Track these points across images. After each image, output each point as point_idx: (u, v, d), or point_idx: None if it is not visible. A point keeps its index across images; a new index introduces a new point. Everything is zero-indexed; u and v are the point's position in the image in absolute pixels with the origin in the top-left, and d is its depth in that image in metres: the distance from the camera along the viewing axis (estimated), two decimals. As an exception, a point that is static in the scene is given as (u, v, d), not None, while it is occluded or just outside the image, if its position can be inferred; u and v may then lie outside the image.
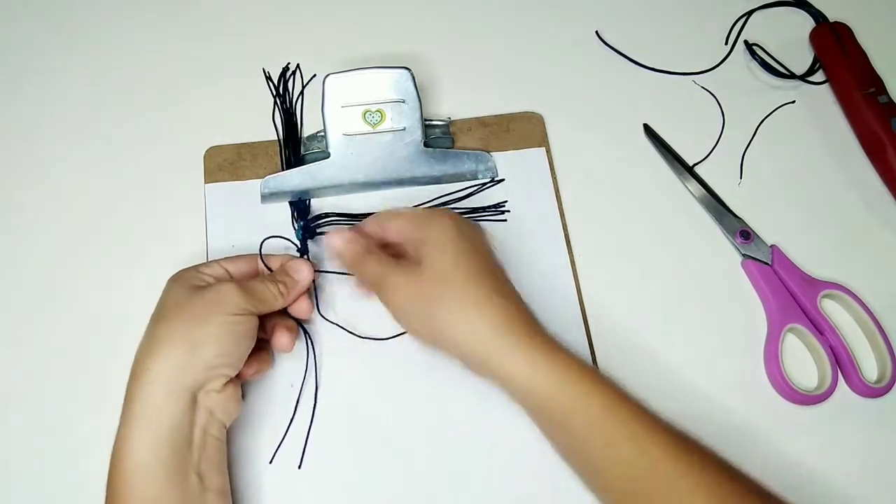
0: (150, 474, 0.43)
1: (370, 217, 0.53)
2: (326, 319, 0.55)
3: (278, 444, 0.51)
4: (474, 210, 0.59)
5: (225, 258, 0.52)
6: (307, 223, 0.57)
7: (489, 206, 0.60)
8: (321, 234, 0.57)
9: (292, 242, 0.57)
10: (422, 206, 0.59)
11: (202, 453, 0.45)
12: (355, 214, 0.58)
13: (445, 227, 0.49)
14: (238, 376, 0.48)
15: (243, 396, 0.50)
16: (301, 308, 0.52)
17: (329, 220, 0.57)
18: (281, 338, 0.51)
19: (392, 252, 0.52)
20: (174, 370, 0.44)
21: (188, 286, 0.48)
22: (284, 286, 0.50)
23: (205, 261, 0.53)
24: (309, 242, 0.57)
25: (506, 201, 0.60)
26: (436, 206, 0.59)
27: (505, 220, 0.59)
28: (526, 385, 0.44)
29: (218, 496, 0.45)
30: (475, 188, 0.60)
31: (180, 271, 0.50)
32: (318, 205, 0.59)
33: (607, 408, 0.43)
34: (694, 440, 0.44)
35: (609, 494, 0.44)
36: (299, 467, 0.51)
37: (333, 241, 0.51)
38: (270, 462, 0.51)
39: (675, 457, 0.42)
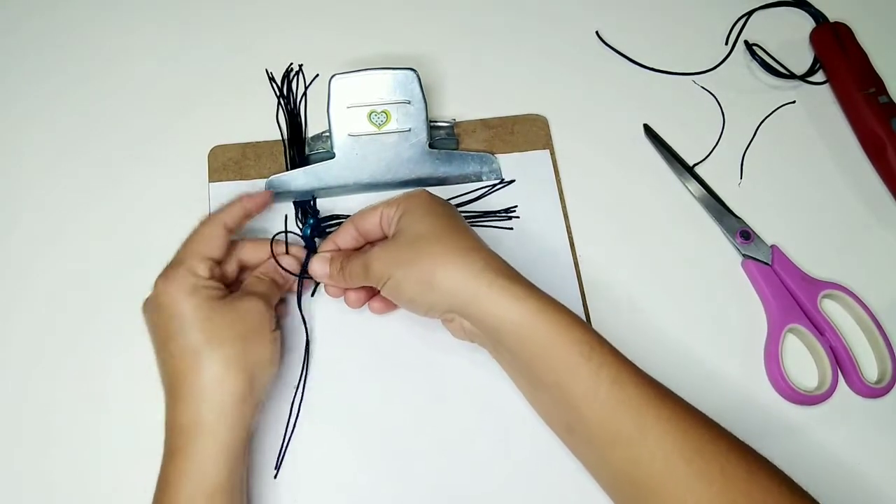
0: (224, 492, 0.43)
1: (342, 225, 0.53)
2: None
3: (281, 449, 0.50)
4: (485, 214, 0.58)
5: (199, 242, 0.50)
6: (317, 221, 0.56)
7: (500, 210, 0.58)
8: (329, 233, 0.56)
9: (300, 236, 0.55)
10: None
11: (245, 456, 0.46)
12: None
13: (419, 198, 0.50)
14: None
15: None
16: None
17: (339, 221, 0.56)
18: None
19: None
20: (246, 390, 0.44)
21: (212, 302, 0.46)
22: (279, 286, 0.51)
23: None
24: (316, 240, 0.55)
25: (516, 206, 0.59)
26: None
27: (511, 229, 0.58)
28: (507, 321, 0.44)
29: None
30: (486, 189, 0.59)
31: (179, 279, 0.47)
32: (323, 205, 0.58)
33: (588, 343, 0.44)
34: (667, 388, 0.44)
35: (583, 433, 0.44)
36: (275, 476, 0.50)
37: (314, 269, 0.52)
38: (276, 476, 0.50)
39: (649, 396, 0.43)
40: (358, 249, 0.53)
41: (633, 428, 0.42)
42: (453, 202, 0.58)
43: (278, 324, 0.50)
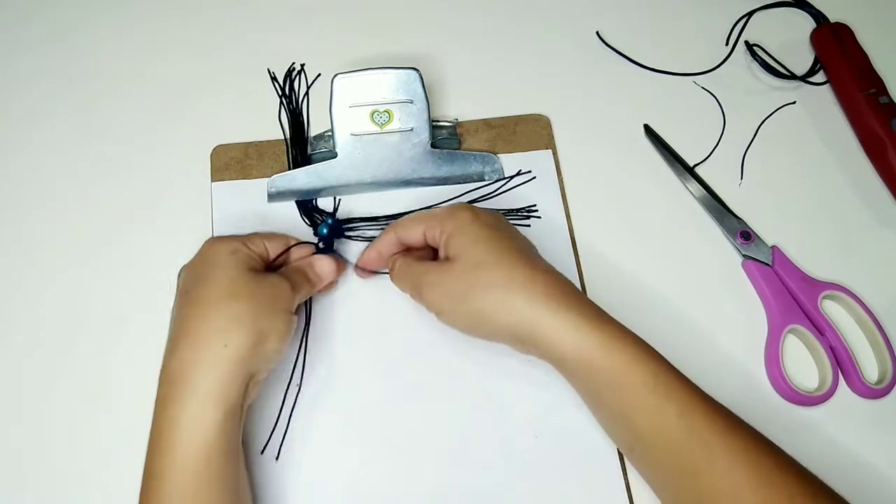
0: (219, 454, 0.41)
1: (383, 233, 0.52)
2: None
3: (275, 433, 0.50)
4: (508, 213, 0.57)
5: (266, 236, 0.50)
6: (337, 221, 0.55)
7: (521, 209, 0.57)
8: (347, 236, 0.55)
9: (315, 244, 0.54)
10: (440, 205, 0.57)
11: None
12: (383, 217, 0.56)
13: (465, 218, 0.48)
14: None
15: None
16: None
17: (359, 224, 0.56)
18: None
19: (417, 255, 0.51)
20: (250, 351, 0.43)
21: (245, 266, 0.46)
22: (312, 284, 0.50)
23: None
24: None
25: (534, 205, 0.58)
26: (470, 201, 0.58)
27: (529, 226, 0.57)
28: (571, 352, 0.43)
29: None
30: (503, 183, 0.58)
31: (231, 242, 0.47)
32: (325, 205, 0.57)
33: (654, 374, 0.43)
34: (735, 415, 0.43)
35: (648, 460, 0.44)
36: (276, 459, 0.49)
37: (365, 259, 0.52)
38: (262, 452, 0.49)
39: (716, 427, 0.42)
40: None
41: (700, 459, 0.41)
42: (465, 199, 0.58)
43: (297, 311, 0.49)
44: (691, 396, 0.43)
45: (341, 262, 0.53)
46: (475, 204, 0.57)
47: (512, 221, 0.56)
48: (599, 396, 0.45)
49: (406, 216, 0.52)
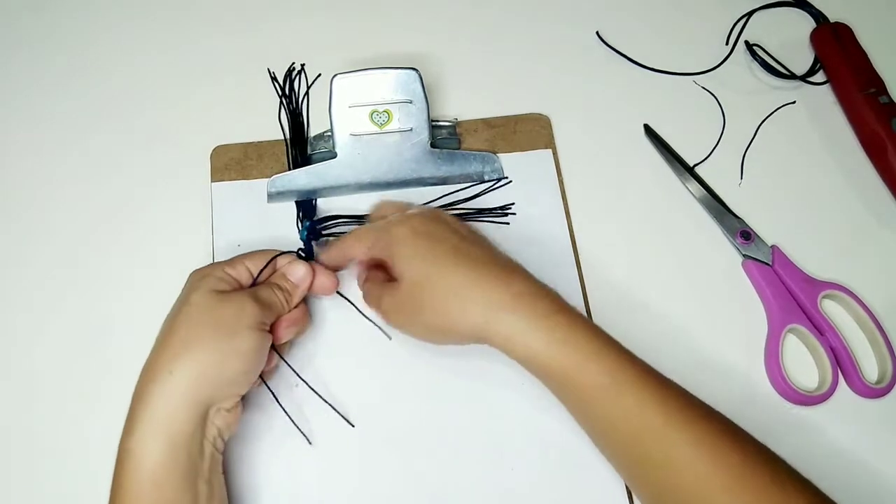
0: (165, 481, 0.40)
1: (328, 248, 0.52)
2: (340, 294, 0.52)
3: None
4: (480, 211, 0.57)
5: (247, 256, 0.49)
6: (312, 224, 0.55)
7: (496, 208, 0.57)
8: (326, 236, 0.55)
9: (298, 252, 0.53)
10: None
11: (210, 464, 0.42)
12: (360, 216, 0.56)
13: (399, 235, 0.48)
14: (275, 337, 0.47)
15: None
16: (324, 285, 0.51)
17: (335, 222, 0.55)
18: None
19: (381, 275, 0.50)
20: (198, 379, 0.42)
21: (212, 289, 0.45)
22: (288, 293, 0.48)
23: (215, 259, 0.50)
24: (313, 244, 0.54)
25: (512, 203, 0.58)
26: (440, 206, 0.57)
27: (508, 224, 0.57)
28: (522, 353, 0.43)
29: None
30: (481, 189, 0.58)
31: (206, 269, 0.47)
32: (325, 205, 0.57)
33: (608, 371, 0.42)
34: (699, 402, 0.43)
35: (612, 453, 0.44)
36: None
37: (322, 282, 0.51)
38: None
39: (677, 419, 0.41)
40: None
41: (661, 452, 0.41)
42: (448, 200, 0.57)
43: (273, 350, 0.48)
44: (648, 389, 0.42)
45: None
46: (452, 207, 0.57)
47: (488, 221, 0.57)
48: (559, 393, 0.45)
49: (352, 232, 0.52)
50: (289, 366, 0.50)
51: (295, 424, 0.49)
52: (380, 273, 0.50)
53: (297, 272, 0.49)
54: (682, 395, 0.43)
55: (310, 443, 0.49)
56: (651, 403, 0.42)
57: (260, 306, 0.45)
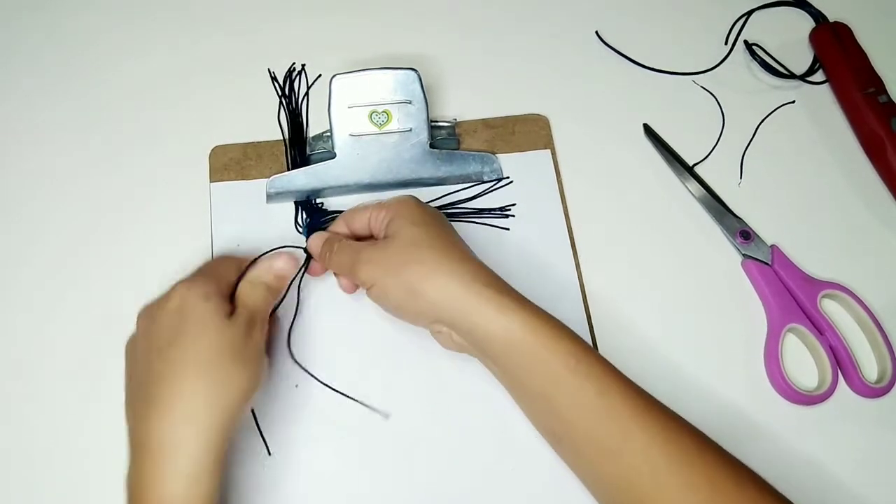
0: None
1: (336, 218, 0.53)
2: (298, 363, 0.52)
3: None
4: (480, 211, 0.57)
5: (224, 266, 0.48)
6: (313, 221, 0.55)
7: (496, 209, 0.57)
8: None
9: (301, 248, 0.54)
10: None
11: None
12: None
13: (409, 204, 0.49)
14: None
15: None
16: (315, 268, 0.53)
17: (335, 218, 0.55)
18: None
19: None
20: (232, 415, 0.42)
21: (222, 315, 0.44)
22: (274, 288, 0.49)
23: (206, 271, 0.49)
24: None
25: (513, 204, 0.57)
26: (439, 206, 0.57)
27: (508, 229, 0.57)
28: (496, 332, 0.44)
29: None
30: (482, 189, 0.58)
31: (200, 285, 0.44)
32: (324, 206, 0.57)
33: (574, 354, 0.43)
34: (654, 398, 0.44)
35: (571, 444, 0.44)
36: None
37: (312, 243, 0.52)
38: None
39: (634, 407, 0.42)
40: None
41: (618, 439, 0.41)
42: (450, 199, 0.57)
43: (268, 348, 0.48)
44: (610, 377, 0.43)
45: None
46: (451, 208, 0.57)
47: (488, 222, 0.57)
48: (522, 378, 0.45)
49: (357, 205, 0.52)
50: (296, 363, 0.51)
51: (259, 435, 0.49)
52: (361, 242, 0.50)
53: (279, 263, 0.49)
54: (643, 391, 0.44)
55: (269, 454, 0.49)
56: (614, 390, 0.42)
57: (260, 322, 0.46)
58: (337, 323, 0.53)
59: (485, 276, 0.46)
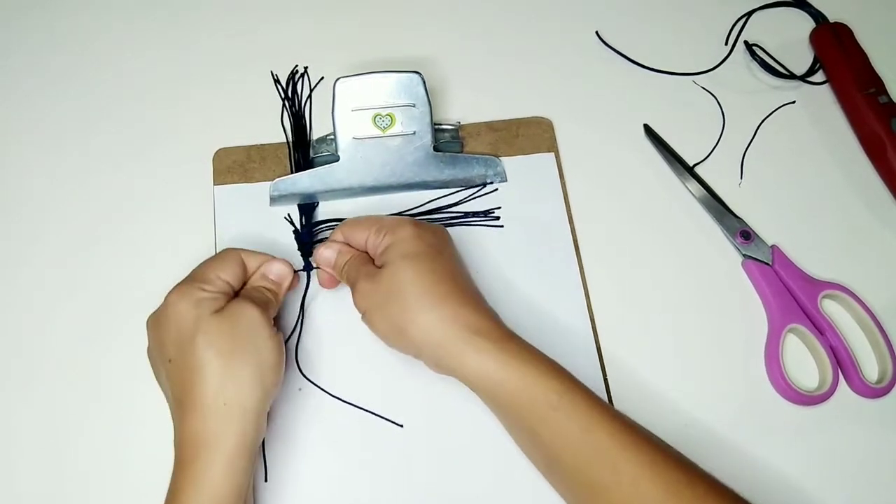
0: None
1: (336, 228, 0.52)
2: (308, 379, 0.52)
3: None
4: (466, 215, 0.57)
5: (214, 265, 0.48)
6: (304, 227, 0.55)
7: (480, 212, 0.57)
8: (320, 240, 0.55)
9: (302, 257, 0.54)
10: (406, 212, 0.57)
11: None
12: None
13: (406, 233, 0.49)
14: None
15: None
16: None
17: (330, 227, 0.55)
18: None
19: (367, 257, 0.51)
20: (259, 401, 0.43)
21: (206, 309, 0.44)
22: (274, 292, 0.49)
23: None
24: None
25: (498, 207, 0.57)
26: (434, 209, 0.57)
27: (502, 227, 0.57)
28: (475, 373, 0.44)
29: None
30: (477, 192, 0.58)
31: (187, 290, 0.45)
32: (327, 209, 0.57)
33: (557, 392, 0.43)
34: (645, 431, 0.44)
35: (560, 478, 0.44)
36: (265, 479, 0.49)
37: (323, 254, 0.51)
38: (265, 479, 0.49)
39: (622, 441, 0.42)
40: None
41: (607, 474, 0.41)
42: (443, 203, 0.57)
43: (277, 326, 0.49)
44: (595, 413, 0.43)
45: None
46: (443, 211, 0.57)
47: (474, 225, 0.57)
48: (505, 417, 0.46)
49: (356, 217, 0.52)
50: (306, 377, 0.50)
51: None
52: (366, 256, 0.50)
53: (276, 269, 0.50)
54: (630, 423, 0.43)
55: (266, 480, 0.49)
56: (600, 424, 0.42)
57: (261, 309, 0.45)
58: (342, 334, 0.52)
59: (466, 316, 0.45)
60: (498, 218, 0.57)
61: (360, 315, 0.48)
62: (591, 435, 0.42)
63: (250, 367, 0.43)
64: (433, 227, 0.51)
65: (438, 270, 0.47)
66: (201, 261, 0.50)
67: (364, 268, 0.49)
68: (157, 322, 0.46)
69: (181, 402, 0.43)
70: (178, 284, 0.46)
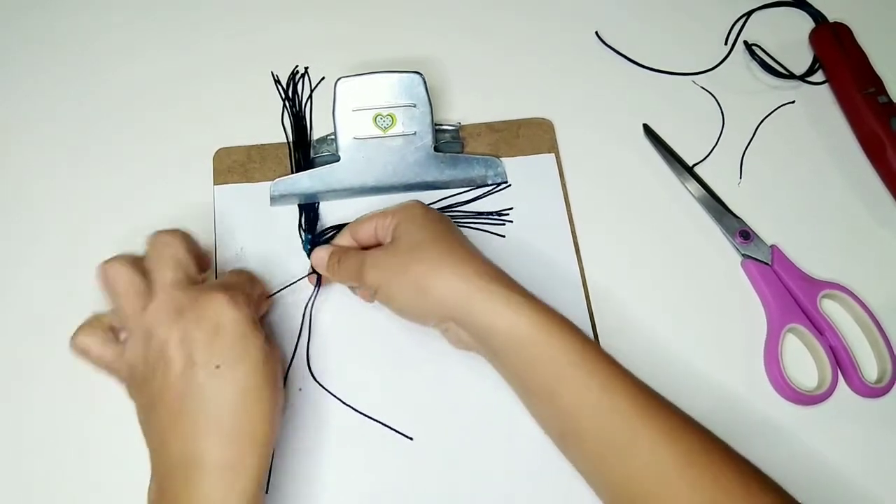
0: None
1: (341, 231, 0.52)
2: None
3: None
4: (479, 215, 0.57)
5: (253, 283, 0.49)
6: (315, 237, 0.54)
7: (493, 213, 0.57)
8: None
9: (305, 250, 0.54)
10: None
11: None
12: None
13: (415, 208, 0.49)
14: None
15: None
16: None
17: (337, 232, 0.54)
18: None
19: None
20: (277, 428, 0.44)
21: (255, 331, 0.44)
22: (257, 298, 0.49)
23: (217, 261, 0.49)
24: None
25: (511, 208, 0.57)
26: (438, 209, 0.57)
27: (505, 236, 0.56)
28: (502, 327, 0.44)
29: None
30: (481, 193, 0.58)
31: (239, 302, 0.43)
32: (328, 209, 0.56)
33: (579, 350, 0.43)
34: (660, 396, 0.43)
35: (576, 442, 0.44)
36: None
37: (318, 256, 0.51)
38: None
39: (640, 404, 0.42)
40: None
41: (624, 437, 0.41)
42: (447, 203, 0.57)
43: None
44: (615, 374, 0.43)
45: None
46: (449, 210, 0.57)
47: (486, 226, 0.57)
48: (527, 375, 0.45)
49: (362, 216, 0.52)
50: (320, 385, 0.51)
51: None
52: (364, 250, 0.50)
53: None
54: (648, 388, 0.43)
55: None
56: (619, 386, 0.42)
57: (246, 299, 0.45)
58: (350, 340, 0.52)
59: (490, 272, 0.45)
60: (509, 217, 0.57)
61: (370, 301, 0.48)
62: (611, 395, 0.42)
63: (275, 401, 0.43)
64: (437, 211, 0.51)
65: (454, 235, 0.48)
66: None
67: (368, 251, 0.49)
68: (196, 319, 0.43)
69: (183, 411, 0.41)
70: (228, 292, 0.44)
